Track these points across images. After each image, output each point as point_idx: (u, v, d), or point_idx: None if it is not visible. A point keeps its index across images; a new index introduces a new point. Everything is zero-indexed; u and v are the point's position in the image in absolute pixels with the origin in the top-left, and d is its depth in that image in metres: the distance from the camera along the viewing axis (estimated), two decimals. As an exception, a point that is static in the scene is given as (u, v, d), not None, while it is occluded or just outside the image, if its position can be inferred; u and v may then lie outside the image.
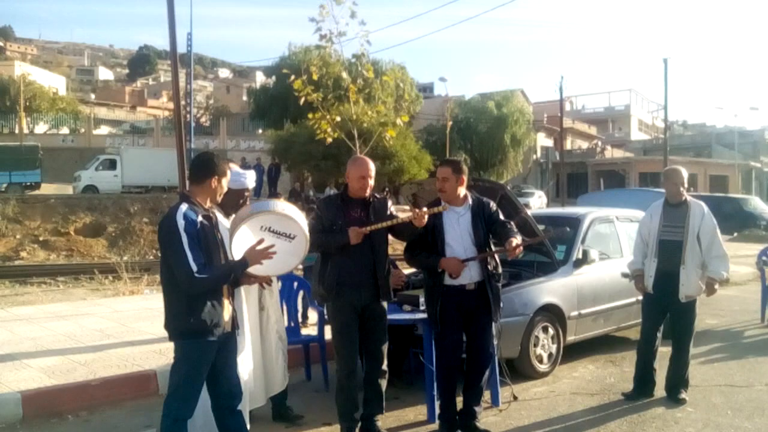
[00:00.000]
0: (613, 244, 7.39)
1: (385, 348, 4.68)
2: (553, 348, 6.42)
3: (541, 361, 6.28)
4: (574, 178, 49.61)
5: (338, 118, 10.58)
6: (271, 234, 3.84)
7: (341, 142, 11.11)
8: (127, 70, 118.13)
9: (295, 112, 26.64)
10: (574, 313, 6.62)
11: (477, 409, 4.86)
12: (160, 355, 6.31)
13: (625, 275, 6.22)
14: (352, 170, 4.59)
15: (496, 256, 4.85)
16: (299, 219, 4.02)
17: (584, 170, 50.61)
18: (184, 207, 3.53)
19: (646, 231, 5.74)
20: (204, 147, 36.89)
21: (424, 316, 5.21)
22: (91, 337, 7.14)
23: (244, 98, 52.98)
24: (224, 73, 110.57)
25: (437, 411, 4.95)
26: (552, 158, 42.61)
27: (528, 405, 5.43)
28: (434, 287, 4.72)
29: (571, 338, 6.65)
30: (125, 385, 5.68)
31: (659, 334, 5.76)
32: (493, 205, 4.92)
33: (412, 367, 6.07)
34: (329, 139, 10.64)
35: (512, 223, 4.92)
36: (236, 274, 3.65)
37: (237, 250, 3.72)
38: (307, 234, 4.03)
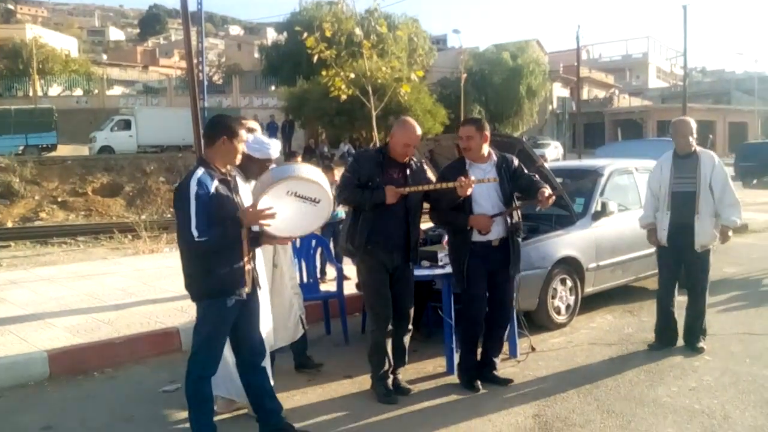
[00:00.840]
0: (632, 195, 7.33)
1: (411, 309, 4.73)
2: (571, 299, 6.44)
3: (558, 313, 6.31)
4: (591, 129, 49.03)
5: (352, 75, 10.50)
6: (298, 198, 3.85)
7: (355, 98, 11.06)
8: (137, 30, 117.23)
9: (308, 69, 26.38)
10: (593, 265, 6.62)
11: (496, 360, 4.95)
12: (183, 313, 6.41)
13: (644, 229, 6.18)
14: (398, 134, 4.50)
15: (518, 211, 4.83)
16: (324, 183, 4.02)
17: (601, 120, 49.97)
18: (199, 172, 3.54)
19: (657, 184, 5.68)
20: (217, 105, 36.83)
21: (442, 271, 5.25)
22: (114, 296, 7.26)
23: (256, 55, 52.58)
24: (235, 30, 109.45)
25: (456, 362, 5.02)
26: (568, 108, 41.96)
27: (546, 356, 5.47)
28: (462, 244, 4.71)
29: (589, 290, 6.66)
30: (149, 343, 5.78)
31: (677, 285, 5.76)
32: (515, 160, 4.89)
33: (431, 320, 6.12)
34: (343, 96, 10.59)
35: (536, 175, 4.89)
36: (231, 235, 3.58)
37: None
38: (332, 198, 4.04)
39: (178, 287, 7.51)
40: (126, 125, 29.47)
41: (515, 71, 41.42)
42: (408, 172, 4.53)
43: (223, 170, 3.66)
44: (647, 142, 16.50)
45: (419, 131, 4.56)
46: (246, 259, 3.68)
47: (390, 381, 4.65)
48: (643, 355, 5.45)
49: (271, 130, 26.90)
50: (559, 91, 51.77)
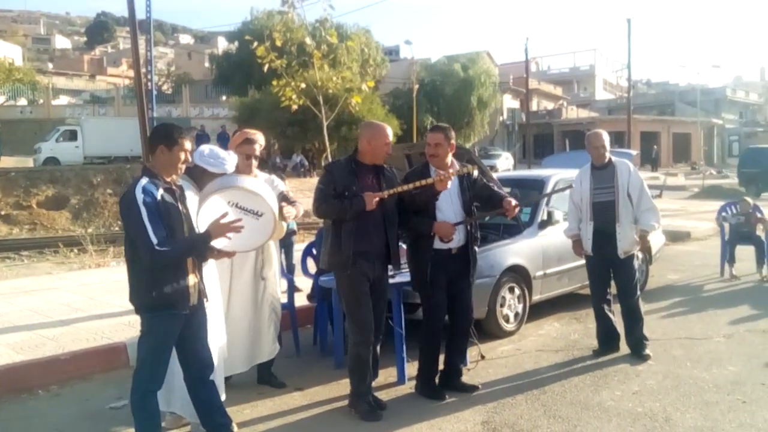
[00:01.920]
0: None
1: (383, 317, 4.72)
2: (519, 307, 6.56)
3: (507, 321, 6.42)
4: (541, 139, 49.95)
5: (303, 85, 10.51)
6: (239, 210, 3.84)
7: (307, 109, 11.06)
8: (84, 38, 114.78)
9: (260, 79, 26.20)
10: (540, 273, 6.76)
11: (461, 367, 5.03)
12: (130, 328, 6.30)
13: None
14: (376, 136, 4.49)
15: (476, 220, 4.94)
16: (268, 197, 4.01)
17: (550, 131, 50.95)
18: (143, 181, 3.49)
19: (578, 196, 5.86)
20: (167, 115, 36.34)
21: (392, 281, 5.28)
22: (59, 312, 7.09)
23: (207, 65, 52.02)
24: (185, 39, 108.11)
25: (406, 372, 5.06)
26: (518, 119, 42.70)
27: (495, 363, 5.56)
28: (424, 251, 4.73)
29: (536, 297, 6.80)
30: (95, 359, 5.66)
31: (610, 290, 5.91)
32: (476, 170, 4.96)
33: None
34: (294, 107, 10.60)
35: (495, 184, 4.98)
36: (199, 248, 3.63)
37: (204, 223, 3.70)
38: (276, 213, 4.03)
39: (125, 302, 7.29)
40: (72, 136, 28.82)
41: (466, 82, 41.96)
42: (381, 177, 4.54)
43: (168, 179, 3.62)
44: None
45: (390, 129, 4.61)
46: (192, 272, 3.65)
47: (370, 398, 4.59)
48: (588, 361, 5.59)
49: (222, 140, 26.60)
50: (510, 102, 52.61)
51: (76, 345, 5.84)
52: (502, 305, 6.35)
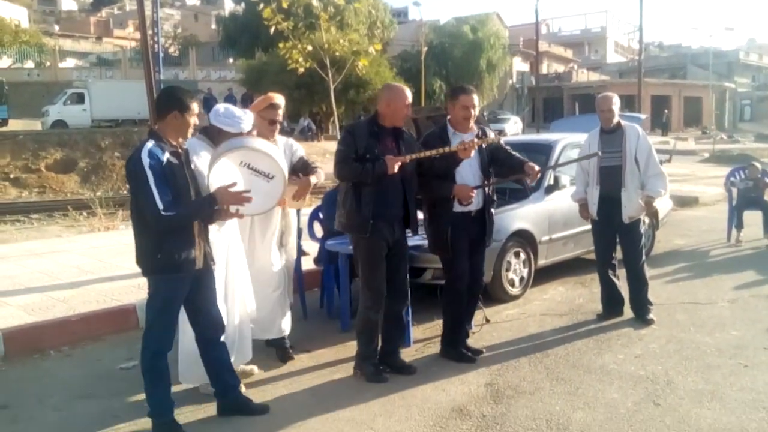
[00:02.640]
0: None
1: (407, 281, 4.72)
2: (525, 272, 6.59)
3: (513, 285, 6.46)
4: (550, 103, 49.47)
5: (310, 48, 10.43)
6: (250, 171, 3.83)
7: (314, 72, 11.00)
8: (91, 0, 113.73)
9: (267, 41, 25.97)
10: (545, 238, 6.78)
11: (469, 329, 5.09)
12: (139, 290, 6.36)
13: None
14: (396, 98, 4.42)
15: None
16: (280, 160, 3.99)
17: (560, 95, 50.42)
18: (149, 144, 3.51)
19: (586, 160, 5.82)
20: (173, 78, 36.17)
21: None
22: (69, 274, 7.18)
23: (213, 27, 51.61)
24: (192, 0, 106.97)
25: (411, 335, 5.14)
26: (527, 83, 42.28)
27: (499, 327, 5.62)
28: (444, 215, 4.71)
29: (542, 262, 6.83)
30: (105, 320, 5.75)
31: (615, 254, 5.93)
32: (492, 132, 4.93)
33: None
34: (301, 70, 10.54)
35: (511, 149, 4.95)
36: (205, 212, 3.65)
37: (215, 183, 3.71)
38: (286, 176, 4.02)
39: (134, 264, 7.37)
40: (79, 99, 28.77)
41: (475, 45, 41.52)
42: (401, 141, 4.51)
43: (174, 143, 3.64)
44: (597, 116, 16.75)
45: (409, 91, 4.55)
46: (198, 236, 3.68)
47: (376, 360, 4.60)
48: (592, 325, 5.63)
49: (229, 102, 26.54)
50: (519, 65, 52.03)
51: (87, 307, 5.92)
52: (507, 270, 6.38)
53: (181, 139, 3.71)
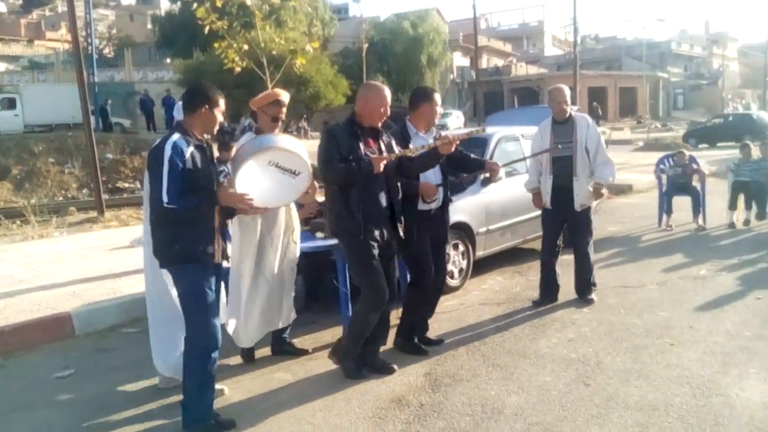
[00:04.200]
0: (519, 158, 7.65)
1: (395, 281, 4.69)
2: (464, 263, 6.71)
3: (452, 277, 6.56)
4: (491, 97, 50.14)
5: (246, 47, 10.32)
6: (278, 169, 3.88)
7: (253, 71, 10.86)
8: (21, 1, 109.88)
9: (204, 40, 25.44)
10: (483, 230, 6.92)
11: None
12: (74, 297, 6.26)
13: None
14: (373, 98, 4.40)
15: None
16: (305, 155, 4.01)
17: (500, 88, 51.20)
18: (175, 136, 3.53)
19: (538, 149, 6.00)
20: (109, 80, 35.34)
21: (336, 242, 5.33)
22: (2, 284, 6.97)
23: (149, 26, 50.53)
24: (127, 0, 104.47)
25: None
26: (467, 77, 42.77)
27: (439, 318, 5.68)
28: (409, 212, 4.71)
29: (480, 253, 6.96)
30: (40, 329, 5.62)
31: (560, 243, 6.13)
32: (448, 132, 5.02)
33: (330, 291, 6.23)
34: (237, 69, 10.42)
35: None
36: (206, 208, 3.58)
37: (242, 184, 3.71)
38: (311, 170, 4.08)
39: (70, 272, 7.34)
40: (11, 104, 27.73)
41: (416, 40, 41.82)
42: (380, 139, 4.49)
43: (200, 137, 3.66)
44: (533, 109, 17.16)
45: (388, 90, 4.53)
46: (216, 227, 3.64)
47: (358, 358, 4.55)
48: (528, 312, 5.79)
49: (167, 105, 26.07)
50: (460, 60, 52.57)
51: (21, 316, 5.77)
52: (446, 262, 6.48)
53: (204, 134, 3.71)
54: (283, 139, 4.09)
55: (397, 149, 4.45)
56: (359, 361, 4.54)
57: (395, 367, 4.57)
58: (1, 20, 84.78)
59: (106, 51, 50.29)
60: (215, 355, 3.68)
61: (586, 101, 48.30)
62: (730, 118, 31.48)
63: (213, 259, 3.64)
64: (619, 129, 40.07)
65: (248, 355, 4.94)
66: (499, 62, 58.74)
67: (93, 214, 12.64)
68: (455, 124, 36.47)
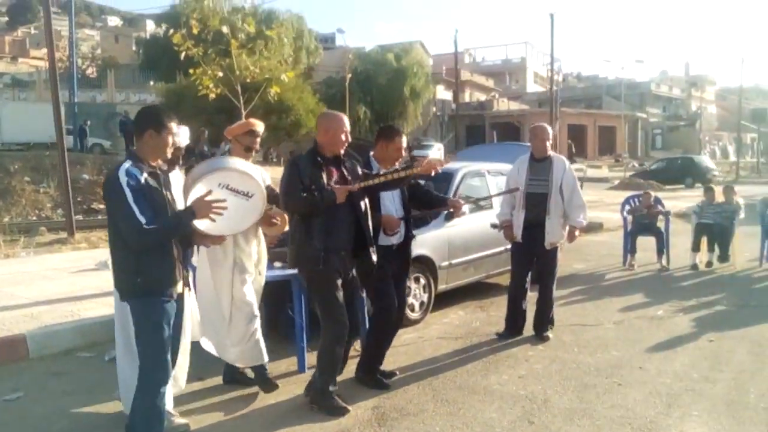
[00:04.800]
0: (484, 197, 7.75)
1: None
2: (425, 297, 6.74)
3: (412, 310, 6.59)
4: (473, 131, 50.65)
5: (220, 74, 10.46)
6: (229, 192, 3.78)
7: (235, 96, 10.98)
8: (6, 18, 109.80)
9: (188, 64, 25.80)
10: (445, 263, 6.97)
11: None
12: (32, 319, 6.21)
13: (494, 226, 6.57)
14: (334, 126, 4.39)
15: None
16: (257, 176, 3.98)
17: (482, 122, 51.76)
18: (127, 164, 3.45)
19: (514, 184, 6.12)
20: (91, 100, 35.36)
21: (294, 271, 5.35)
22: (-41, 303, 6.90)
23: (134, 48, 50.69)
24: (114, 21, 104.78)
25: (306, 361, 5.18)
26: (448, 111, 43.25)
27: (396, 351, 5.67)
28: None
29: (442, 287, 7.00)
30: (-8, 351, 5.57)
31: (528, 278, 6.20)
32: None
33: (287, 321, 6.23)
34: (212, 95, 10.56)
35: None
36: (185, 226, 3.53)
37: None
38: (265, 193, 4.02)
39: (30, 293, 7.28)
40: (-11, 121, 27.68)
41: (399, 72, 42.28)
42: (344, 168, 4.47)
43: (153, 164, 3.56)
44: (505, 146, 17.48)
45: (346, 118, 4.55)
46: (177, 256, 3.58)
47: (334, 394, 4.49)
48: (485, 347, 5.83)
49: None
50: (443, 93, 53.15)
51: (-26, 337, 5.71)
52: (407, 295, 6.51)
53: (159, 161, 3.63)
54: (233, 161, 4.07)
55: (360, 183, 4.39)
56: (335, 396, 4.45)
57: (349, 408, 4.47)
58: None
59: (89, 71, 50.28)
60: (164, 389, 3.63)
61: (566, 138, 49.03)
62: (673, 161, 32.99)
63: (176, 289, 3.59)
64: (597, 167, 40.60)
65: (232, 378, 4.97)
66: (482, 97, 59.48)
67: (63, 235, 12.55)
68: (436, 156, 36.70)
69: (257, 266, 4.86)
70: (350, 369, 5.04)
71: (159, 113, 3.63)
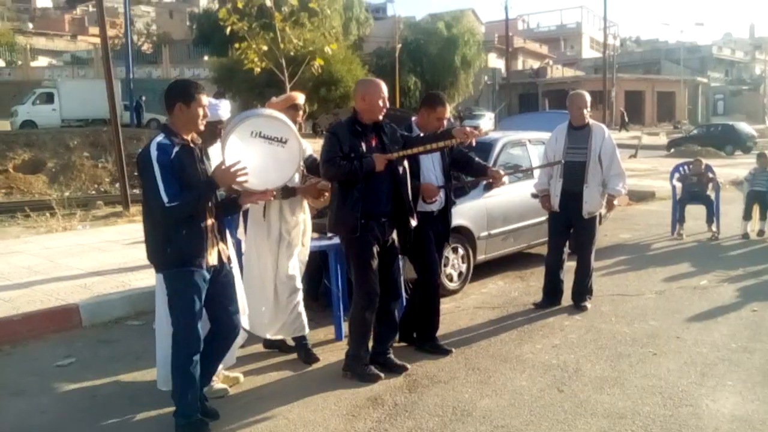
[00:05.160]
0: (525, 166, 7.69)
1: (400, 279, 4.81)
2: (464, 267, 6.78)
3: (451, 280, 6.64)
4: (526, 99, 49.84)
5: (265, 48, 10.54)
6: (263, 140, 3.77)
7: (279, 70, 11.06)
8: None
9: (235, 39, 26.07)
10: (484, 234, 6.97)
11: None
12: (85, 289, 6.50)
13: (534, 196, 6.55)
14: (369, 92, 4.41)
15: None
16: (287, 120, 3.97)
17: (535, 90, 50.84)
18: (159, 137, 3.53)
19: (552, 153, 6.08)
20: (147, 76, 36.15)
21: (329, 242, 5.47)
22: (19, 275, 7.26)
23: (188, 24, 51.39)
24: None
25: (344, 330, 5.30)
26: (498, 79, 42.53)
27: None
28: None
29: (481, 257, 7.02)
30: (48, 319, 5.85)
31: (566, 249, 6.17)
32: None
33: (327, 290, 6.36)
34: (257, 69, 10.66)
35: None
36: (206, 198, 3.58)
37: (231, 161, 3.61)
38: (299, 136, 4.00)
39: (85, 264, 7.60)
40: (49, 98, 28.62)
41: (450, 41, 41.72)
42: (383, 135, 4.48)
43: (186, 137, 3.62)
44: (549, 114, 17.15)
45: (384, 85, 4.55)
46: (209, 227, 3.64)
47: (367, 360, 4.57)
48: (521, 317, 5.85)
49: (136, 106, 26.81)
50: (495, 61, 52.35)
51: (31, 307, 6.01)
52: (445, 265, 6.55)
53: (194, 134, 3.69)
54: (262, 109, 4.06)
55: (398, 151, 4.37)
56: (368, 362, 4.55)
57: (407, 366, 4.61)
58: (45, 15, 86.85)
59: (144, 48, 51.27)
60: (197, 357, 3.74)
61: (623, 105, 47.76)
62: (712, 129, 31.73)
63: (206, 261, 3.64)
64: (655, 134, 39.44)
65: (272, 344, 5.11)
66: (535, 64, 58.33)
67: (119, 208, 12.98)
68: (487, 125, 36.28)
69: (302, 237, 4.93)
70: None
71: (187, 86, 3.67)
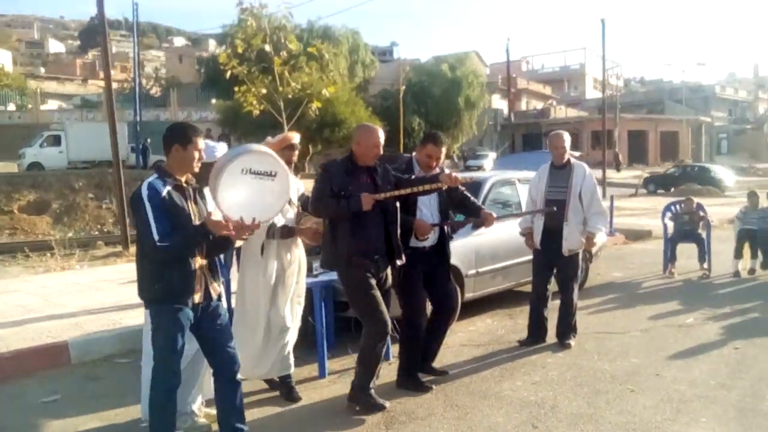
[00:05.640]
0: (514, 205, 7.81)
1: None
2: (451, 305, 6.82)
3: (438, 318, 6.68)
4: (529, 139, 50.23)
5: (264, 91, 10.80)
6: (253, 176, 3.83)
7: (278, 112, 11.30)
8: (78, 42, 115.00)
9: (236, 82, 26.55)
10: (472, 272, 7.03)
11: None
12: (76, 327, 6.59)
13: (522, 234, 6.64)
14: (365, 138, 4.58)
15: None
16: (275, 155, 4.05)
17: (539, 130, 51.22)
18: (152, 178, 3.64)
19: (535, 191, 6.21)
20: (155, 118, 36.66)
21: (314, 280, 5.55)
22: (13, 313, 7.36)
23: (197, 67, 52.30)
24: (180, 42, 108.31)
25: (326, 368, 5.34)
26: (500, 120, 42.90)
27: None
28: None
29: (469, 295, 7.06)
30: (37, 356, 5.92)
31: (549, 287, 6.23)
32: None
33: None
34: (256, 112, 10.91)
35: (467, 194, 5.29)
36: (198, 239, 3.66)
37: (225, 202, 3.68)
38: (287, 168, 4.06)
39: (79, 303, 7.70)
40: (56, 141, 29.02)
41: (454, 83, 42.24)
42: (375, 176, 4.61)
43: (180, 178, 3.71)
44: (542, 153, 17.37)
45: (381, 132, 4.72)
46: (199, 266, 3.71)
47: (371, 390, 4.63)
48: (505, 354, 5.88)
49: (142, 149, 27.22)
50: (499, 103, 52.90)
51: (22, 344, 6.11)
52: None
53: (188, 175, 3.77)
54: (249, 145, 4.17)
55: (387, 193, 4.48)
56: (372, 393, 4.60)
57: (386, 405, 4.61)
58: (58, 60, 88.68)
59: (153, 91, 52.11)
60: (174, 393, 3.78)
61: (626, 144, 48.04)
62: (688, 169, 33.24)
63: (193, 298, 3.70)
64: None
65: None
66: (539, 105, 58.89)
67: (119, 248, 13.12)
68: (490, 165, 36.59)
69: (298, 275, 4.98)
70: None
71: (185, 129, 3.80)
